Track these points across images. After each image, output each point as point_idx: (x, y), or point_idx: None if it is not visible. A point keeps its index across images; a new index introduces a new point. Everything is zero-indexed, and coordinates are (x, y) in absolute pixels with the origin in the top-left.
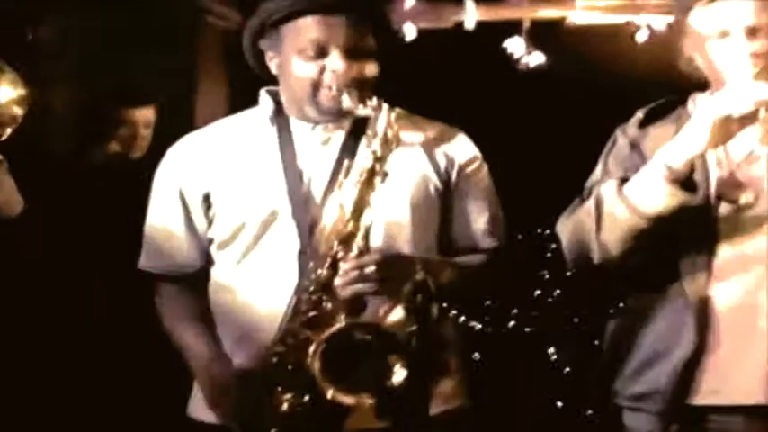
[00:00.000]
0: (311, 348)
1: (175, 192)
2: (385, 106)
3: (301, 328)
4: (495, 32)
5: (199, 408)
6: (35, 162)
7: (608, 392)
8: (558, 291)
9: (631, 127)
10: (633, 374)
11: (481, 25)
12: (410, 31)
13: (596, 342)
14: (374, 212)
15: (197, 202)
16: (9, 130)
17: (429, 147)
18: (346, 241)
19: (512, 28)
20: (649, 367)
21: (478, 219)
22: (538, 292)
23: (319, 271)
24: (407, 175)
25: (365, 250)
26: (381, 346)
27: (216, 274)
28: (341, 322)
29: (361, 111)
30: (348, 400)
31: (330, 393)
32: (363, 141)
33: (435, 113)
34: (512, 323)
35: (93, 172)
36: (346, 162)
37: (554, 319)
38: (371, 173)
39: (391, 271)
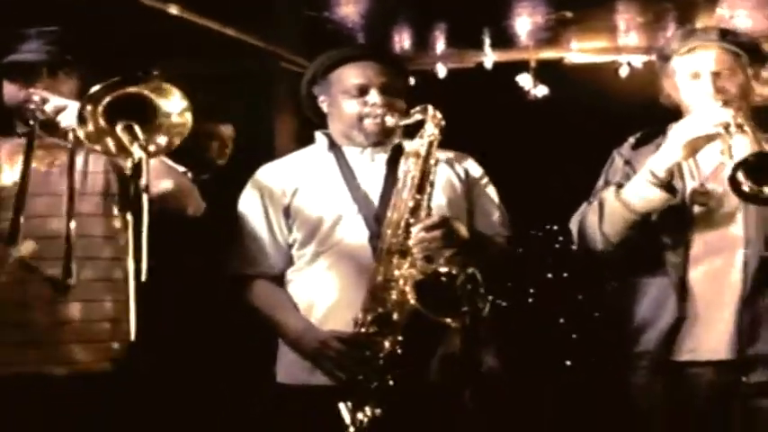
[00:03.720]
0: (407, 288)
1: (260, 207)
2: (429, 106)
3: (386, 284)
4: (508, 70)
5: (286, 374)
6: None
7: (609, 353)
8: (564, 274)
9: (625, 149)
10: (628, 338)
11: (497, 65)
12: (441, 71)
13: (596, 314)
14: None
15: (279, 214)
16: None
17: (450, 164)
18: (414, 212)
19: (521, 66)
20: (641, 332)
21: (493, 214)
22: (549, 275)
23: (394, 239)
24: (441, 179)
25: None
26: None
27: (296, 269)
28: (424, 269)
29: (408, 119)
30: (444, 320)
31: (430, 315)
32: (405, 155)
33: (466, 135)
34: (530, 300)
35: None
36: (401, 167)
37: (562, 297)
38: (425, 164)
39: (451, 229)
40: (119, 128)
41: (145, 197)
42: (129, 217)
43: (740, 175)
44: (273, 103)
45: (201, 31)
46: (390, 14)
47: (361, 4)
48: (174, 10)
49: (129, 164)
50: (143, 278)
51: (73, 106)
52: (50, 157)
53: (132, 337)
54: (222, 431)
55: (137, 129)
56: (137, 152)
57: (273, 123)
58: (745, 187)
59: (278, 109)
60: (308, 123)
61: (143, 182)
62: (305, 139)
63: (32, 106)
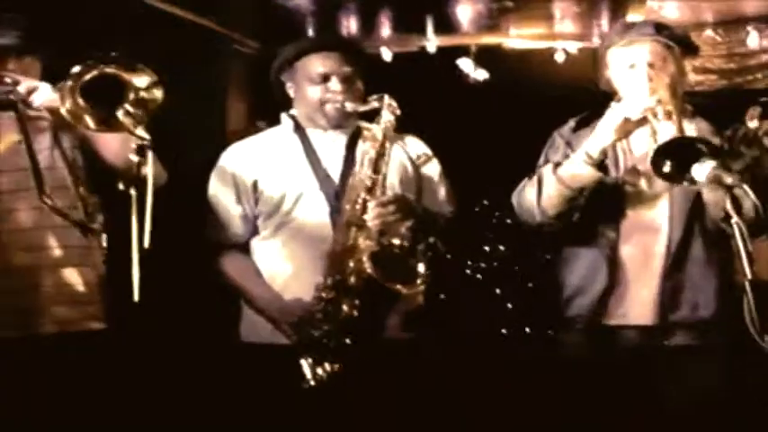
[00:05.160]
0: (364, 258)
1: (231, 182)
2: (386, 96)
3: (345, 254)
4: (449, 54)
5: (250, 333)
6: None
7: (545, 318)
8: (501, 246)
9: (566, 130)
10: (564, 304)
11: (439, 49)
12: (386, 54)
13: (530, 284)
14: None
15: (248, 187)
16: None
17: (402, 146)
18: (370, 190)
19: (462, 51)
20: (575, 299)
21: (439, 191)
22: (486, 247)
23: (352, 214)
24: (394, 160)
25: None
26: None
27: (262, 238)
28: (382, 242)
29: (365, 106)
30: (395, 287)
31: (384, 282)
32: (362, 137)
33: (409, 117)
34: (468, 271)
35: None
36: (359, 148)
37: (499, 268)
38: (381, 147)
39: (404, 205)
40: (120, 112)
41: (150, 173)
42: (132, 191)
43: (662, 158)
44: (226, 83)
45: (158, 12)
46: (338, 1)
47: None
48: None
49: (133, 145)
50: (146, 245)
51: (43, 87)
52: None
53: (136, 297)
54: (188, 387)
55: (139, 112)
56: (141, 134)
57: (225, 103)
58: (666, 168)
59: (230, 89)
60: (258, 103)
61: (149, 160)
62: (255, 119)
63: (5, 88)
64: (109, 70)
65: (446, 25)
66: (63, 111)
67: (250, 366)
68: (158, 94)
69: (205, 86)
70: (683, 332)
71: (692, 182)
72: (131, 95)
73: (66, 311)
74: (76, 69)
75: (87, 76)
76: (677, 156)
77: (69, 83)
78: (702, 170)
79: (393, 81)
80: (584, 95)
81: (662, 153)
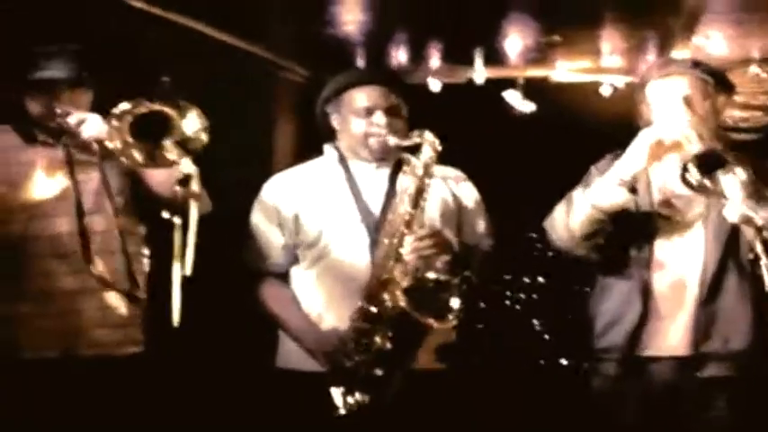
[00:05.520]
0: (399, 292)
1: (273, 212)
2: (427, 132)
3: (381, 287)
4: (497, 86)
5: (286, 359)
6: None
7: (581, 349)
8: (540, 278)
9: (602, 164)
10: (598, 335)
11: (487, 81)
12: (434, 85)
13: (569, 316)
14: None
15: (289, 218)
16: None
17: (444, 179)
18: (409, 224)
19: (510, 83)
20: (609, 329)
21: (479, 225)
22: (526, 279)
23: (390, 248)
24: (435, 194)
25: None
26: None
27: (301, 268)
28: (417, 276)
29: (408, 141)
30: (428, 321)
31: (417, 316)
32: (404, 170)
33: (455, 147)
34: (506, 302)
35: None
36: (401, 181)
37: (537, 299)
38: (421, 182)
39: (440, 240)
40: (167, 143)
41: (194, 203)
42: (176, 219)
43: (690, 170)
44: (273, 111)
45: (206, 40)
46: (388, 32)
47: (361, 23)
48: (185, 21)
49: (179, 174)
50: (188, 272)
51: (93, 118)
52: (82, 173)
53: (176, 323)
54: (224, 412)
55: (184, 145)
56: (187, 166)
57: (273, 130)
58: (693, 181)
59: (277, 117)
60: (306, 130)
61: (194, 190)
62: (302, 145)
63: (57, 120)
64: (156, 107)
65: (494, 57)
66: (112, 147)
67: (285, 393)
68: (203, 137)
69: (253, 114)
70: (714, 364)
71: (722, 195)
72: (178, 130)
73: (107, 334)
74: (125, 107)
75: (135, 113)
76: (706, 167)
77: (117, 120)
78: (731, 181)
79: (440, 112)
80: (629, 130)
81: (690, 165)
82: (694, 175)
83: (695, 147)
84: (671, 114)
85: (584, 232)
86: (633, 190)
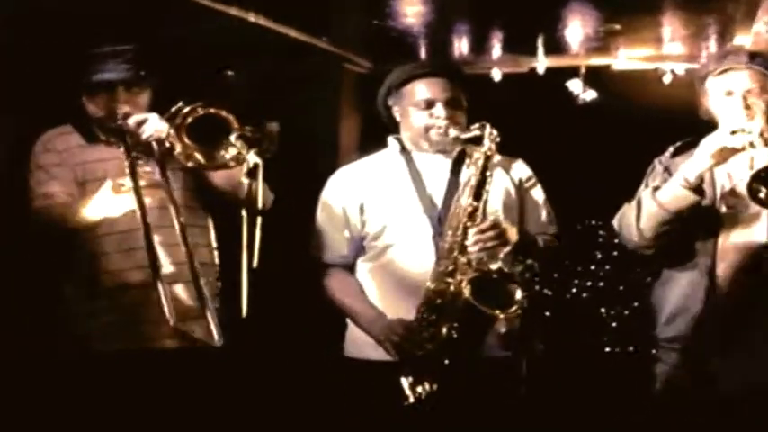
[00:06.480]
0: (463, 283)
1: (338, 204)
2: (487, 124)
3: (445, 277)
4: (559, 75)
5: (354, 349)
6: None
7: (647, 338)
8: (607, 266)
9: (665, 157)
10: (664, 324)
11: (549, 70)
12: (496, 75)
13: (636, 303)
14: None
15: (355, 210)
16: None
17: (505, 169)
18: (471, 216)
19: (572, 72)
20: (675, 319)
21: (541, 213)
22: (592, 267)
23: (454, 239)
24: (496, 184)
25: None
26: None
27: (366, 259)
28: (481, 267)
29: (468, 134)
30: (493, 312)
31: (481, 307)
32: (466, 162)
33: (519, 136)
34: (573, 290)
35: None
36: (463, 172)
37: (604, 287)
38: (483, 174)
39: (501, 232)
40: (233, 137)
41: (260, 196)
42: (243, 213)
43: (758, 183)
44: (338, 102)
45: (270, 33)
46: (450, 23)
47: (424, 15)
48: (252, 17)
49: (245, 168)
50: (254, 264)
51: (152, 118)
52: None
53: (244, 314)
54: (292, 402)
55: (250, 137)
56: (252, 158)
57: (338, 122)
58: (761, 194)
59: (342, 108)
60: (370, 121)
61: (259, 184)
62: (366, 137)
63: (117, 121)
64: (213, 110)
65: (556, 46)
66: (175, 152)
67: (353, 382)
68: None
69: (318, 107)
70: None
71: None
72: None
73: (178, 327)
74: (185, 108)
75: (194, 115)
76: None
77: (177, 120)
78: None
79: (502, 101)
80: (690, 117)
81: (758, 179)
82: (762, 190)
83: (760, 149)
84: (732, 111)
85: (655, 233)
86: (700, 191)
